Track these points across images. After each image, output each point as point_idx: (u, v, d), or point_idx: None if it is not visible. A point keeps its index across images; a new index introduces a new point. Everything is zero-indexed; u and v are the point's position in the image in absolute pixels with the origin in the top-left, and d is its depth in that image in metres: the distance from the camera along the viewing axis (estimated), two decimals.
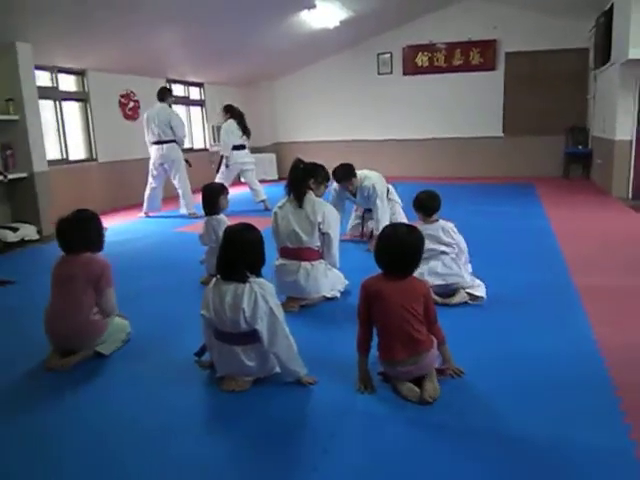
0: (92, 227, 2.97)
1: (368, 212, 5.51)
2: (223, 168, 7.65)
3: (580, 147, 9.83)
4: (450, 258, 3.56)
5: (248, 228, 2.57)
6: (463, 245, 3.64)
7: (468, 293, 3.53)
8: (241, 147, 7.64)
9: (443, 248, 3.55)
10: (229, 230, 2.57)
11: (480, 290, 3.55)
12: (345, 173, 5.04)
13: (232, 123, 7.54)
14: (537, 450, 2.01)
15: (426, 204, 3.60)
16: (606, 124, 8.34)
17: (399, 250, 2.40)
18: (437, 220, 3.62)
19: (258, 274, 2.53)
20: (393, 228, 2.58)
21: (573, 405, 2.31)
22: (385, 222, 4.79)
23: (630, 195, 7.61)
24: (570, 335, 3.03)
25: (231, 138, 7.50)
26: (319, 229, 3.55)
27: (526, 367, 2.66)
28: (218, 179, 7.49)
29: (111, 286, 2.96)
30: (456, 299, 3.50)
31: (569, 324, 3.19)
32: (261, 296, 2.41)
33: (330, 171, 4.09)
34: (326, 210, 3.58)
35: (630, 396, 2.34)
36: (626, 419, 2.17)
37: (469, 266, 3.72)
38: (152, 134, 7.17)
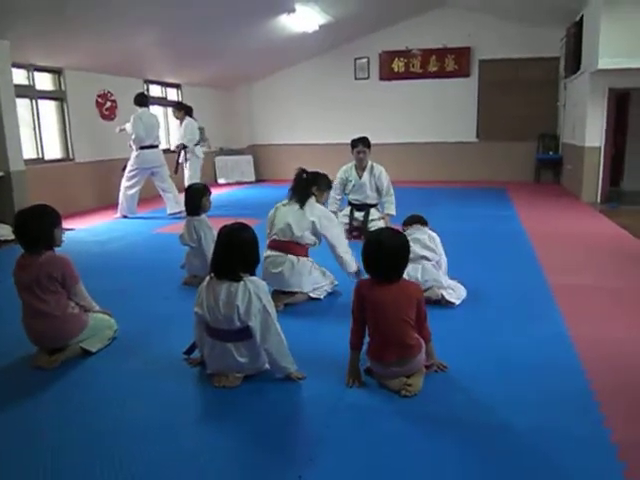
0: (44, 224, 2.89)
1: (357, 210, 5.73)
2: (188, 164, 7.98)
3: (551, 153, 10.13)
4: (431, 264, 3.60)
5: (243, 227, 2.62)
6: (444, 258, 3.71)
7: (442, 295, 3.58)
8: (198, 142, 8.13)
9: (425, 253, 3.59)
10: (225, 230, 2.60)
11: (454, 296, 3.59)
12: (367, 141, 5.71)
13: (192, 121, 7.92)
14: (517, 436, 2.12)
15: (408, 219, 3.84)
16: (576, 131, 8.62)
17: (384, 255, 2.43)
18: (426, 225, 3.76)
19: (253, 273, 2.58)
20: (377, 234, 2.61)
21: (550, 394, 2.43)
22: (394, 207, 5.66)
23: (599, 200, 7.88)
24: (545, 330, 3.17)
25: (195, 134, 7.94)
26: (314, 230, 3.66)
27: (504, 360, 2.77)
28: (190, 176, 7.84)
29: (78, 282, 2.95)
30: (427, 293, 3.50)
31: (544, 320, 3.33)
32: (255, 294, 2.46)
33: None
34: (322, 214, 3.72)
35: (603, 388, 2.47)
36: (600, 409, 2.29)
37: (447, 277, 3.74)
38: (148, 138, 7.21)
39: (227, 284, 2.49)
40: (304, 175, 3.77)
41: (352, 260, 3.70)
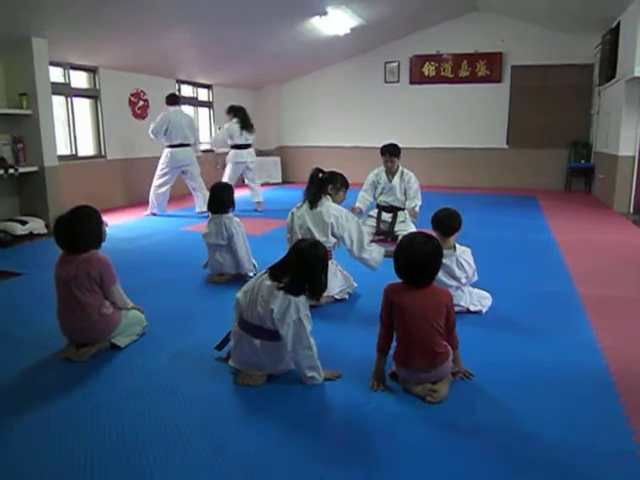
0: (92, 224, 2.94)
1: (386, 211, 5.77)
2: (229, 167, 7.81)
3: (582, 161, 9.94)
4: (455, 288, 3.37)
5: (317, 245, 2.62)
6: (475, 275, 3.45)
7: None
8: (244, 146, 7.72)
9: (452, 282, 3.34)
10: (303, 245, 2.60)
11: (478, 306, 3.54)
12: (395, 148, 5.69)
13: (232, 124, 7.63)
14: (543, 449, 2.08)
15: (445, 223, 3.36)
16: (609, 140, 8.44)
17: (416, 261, 2.40)
18: (454, 247, 3.35)
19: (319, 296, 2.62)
20: (409, 238, 2.51)
21: (577, 406, 2.39)
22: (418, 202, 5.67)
23: (632, 210, 7.70)
24: (574, 340, 3.11)
25: (226, 137, 7.61)
26: (333, 232, 3.65)
27: (532, 371, 2.73)
28: (225, 178, 7.66)
29: (115, 282, 2.98)
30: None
31: (573, 330, 3.27)
32: (294, 304, 2.46)
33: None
34: (338, 214, 3.70)
35: (633, 402, 2.41)
36: (630, 424, 2.24)
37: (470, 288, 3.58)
38: (177, 137, 7.24)
39: (274, 285, 2.51)
40: (320, 174, 3.76)
41: (379, 253, 3.79)
